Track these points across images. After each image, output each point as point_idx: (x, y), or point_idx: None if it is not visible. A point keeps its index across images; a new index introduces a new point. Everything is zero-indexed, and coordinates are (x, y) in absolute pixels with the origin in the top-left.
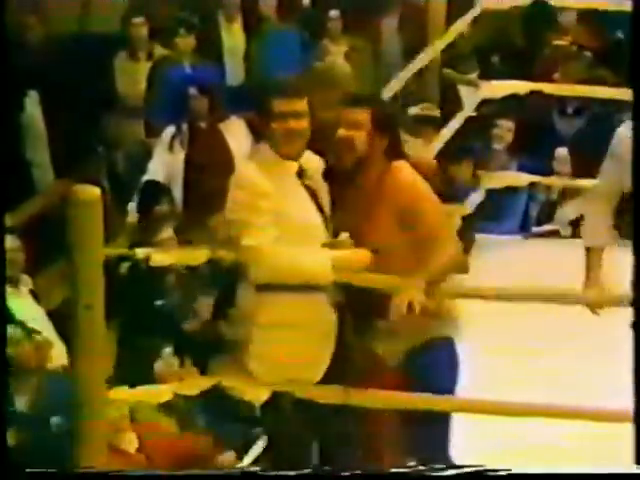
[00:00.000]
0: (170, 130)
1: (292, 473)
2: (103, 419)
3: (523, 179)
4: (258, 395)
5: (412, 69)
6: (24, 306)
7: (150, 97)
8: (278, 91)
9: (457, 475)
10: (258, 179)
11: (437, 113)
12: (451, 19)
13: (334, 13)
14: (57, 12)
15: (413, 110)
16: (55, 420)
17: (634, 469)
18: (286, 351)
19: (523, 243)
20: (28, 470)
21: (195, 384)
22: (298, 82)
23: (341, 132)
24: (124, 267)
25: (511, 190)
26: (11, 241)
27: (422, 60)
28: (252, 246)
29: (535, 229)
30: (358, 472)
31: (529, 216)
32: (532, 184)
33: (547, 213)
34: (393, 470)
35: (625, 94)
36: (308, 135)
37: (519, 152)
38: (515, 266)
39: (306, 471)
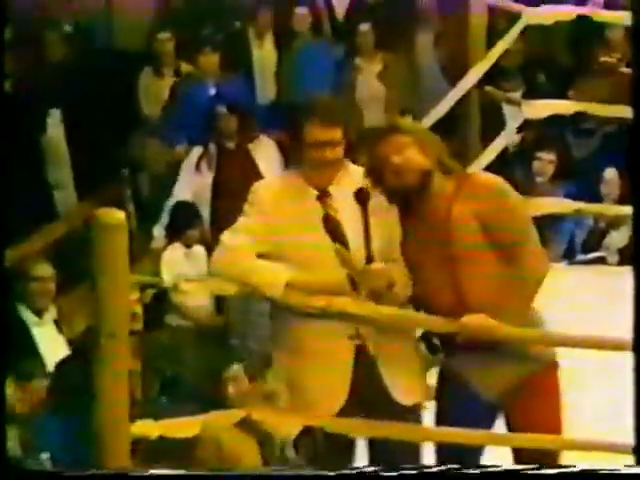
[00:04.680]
0: (197, 151)
1: (291, 473)
2: (124, 452)
3: (565, 206)
4: (289, 430)
5: (455, 95)
6: (46, 337)
7: (170, 115)
8: (314, 115)
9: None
10: (272, 208)
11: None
12: (492, 34)
13: (364, 27)
14: (80, 27)
15: None
16: (44, 456)
17: (634, 469)
18: (304, 378)
19: (567, 270)
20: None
21: (224, 417)
22: (336, 105)
23: (395, 159)
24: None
25: (555, 216)
26: (44, 269)
27: (465, 84)
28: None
29: (580, 256)
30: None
31: (575, 242)
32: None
33: (594, 240)
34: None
35: None
36: (341, 164)
37: (564, 180)
38: (558, 293)
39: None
